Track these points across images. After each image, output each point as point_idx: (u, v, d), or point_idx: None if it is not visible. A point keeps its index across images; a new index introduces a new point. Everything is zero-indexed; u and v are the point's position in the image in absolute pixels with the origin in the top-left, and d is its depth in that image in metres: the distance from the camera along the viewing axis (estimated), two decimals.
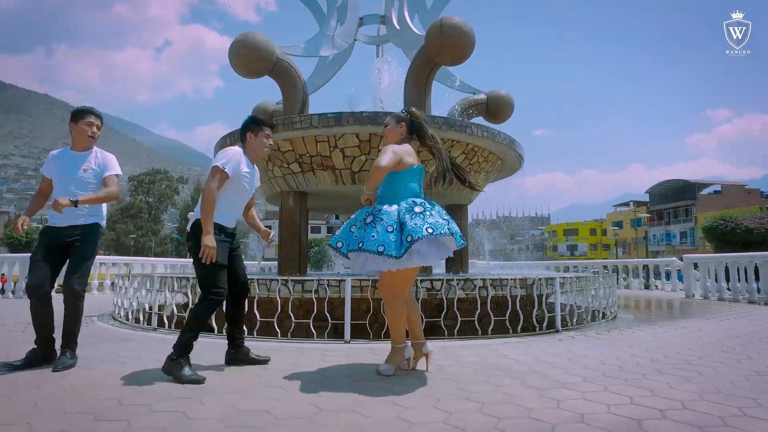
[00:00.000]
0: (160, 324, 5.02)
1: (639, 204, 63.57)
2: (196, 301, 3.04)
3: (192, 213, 3.06)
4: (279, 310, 4.44)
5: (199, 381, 2.73)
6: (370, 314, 4.42)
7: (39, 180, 3.67)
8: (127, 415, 2.12)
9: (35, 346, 3.18)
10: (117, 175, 3.48)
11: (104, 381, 2.74)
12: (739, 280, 9.20)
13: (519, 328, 4.69)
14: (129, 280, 5.80)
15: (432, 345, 3.33)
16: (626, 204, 68.42)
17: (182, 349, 2.84)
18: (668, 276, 12.73)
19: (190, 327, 2.91)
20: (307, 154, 6.48)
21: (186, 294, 5.20)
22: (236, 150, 3.09)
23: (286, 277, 4.66)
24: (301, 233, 7.17)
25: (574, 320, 5.25)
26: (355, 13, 8.64)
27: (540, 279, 5.10)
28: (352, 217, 3.05)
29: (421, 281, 4.70)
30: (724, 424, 2.07)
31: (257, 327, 4.41)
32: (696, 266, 10.20)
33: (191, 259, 3.16)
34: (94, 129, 3.45)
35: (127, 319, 5.63)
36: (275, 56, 6.91)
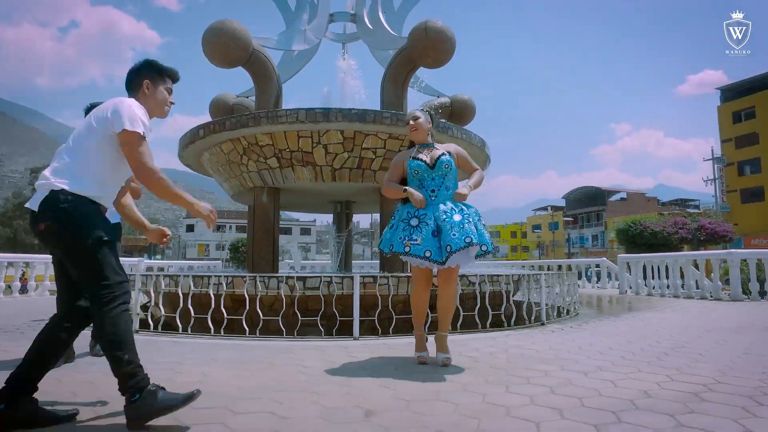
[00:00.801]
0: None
1: (556, 209, 68.35)
2: (102, 308, 1.92)
3: (43, 182, 2.01)
4: (283, 308, 4.31)
5: (194, 396, 1.95)
6: (378, 310, 4.41)
7: None
8: (215, 419, 1.99)
9: None
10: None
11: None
12: (664, 277, 10.28)
13: (513, 321, 4.93)
14: None
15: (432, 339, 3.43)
16: (545, 208, 73.18)
17: (132, 381, 1.88)
18: (598, 275, 13.87)
19: (118, 349, 1.90)
20: (288, 149, 6.32)
21: (149, 293, 4.88)
22: (139, 104, 2.16)
23: (292, 274, 4.54)
24: (275, 231, 6.97)
25: (554, 314, 5.60)
26: (326, 9, 8.54)
27: (528, 276, 5.39)
28: (431, 219, 3.00)
29: None
30: (764, 394, 2.35)
31: (260, 326, 4.26)
32: (629, 266, 11.21)
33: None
34: None
35: None
36: (252, 46, 6.66)
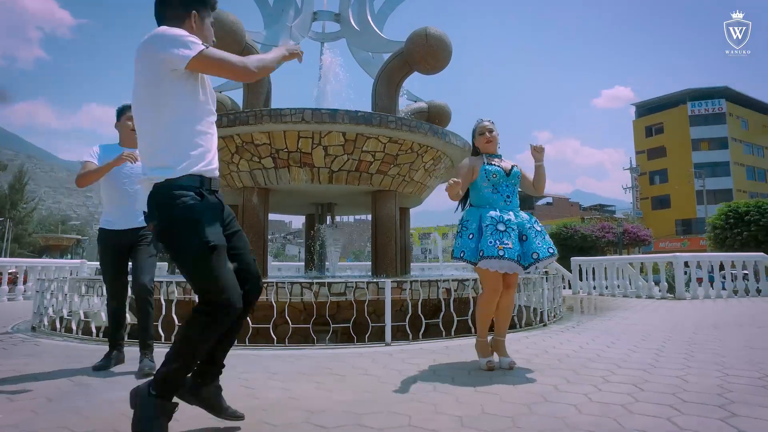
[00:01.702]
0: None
1: None
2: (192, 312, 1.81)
3: (149, 176, 1.79)
4: (315, 315, 4.20)
5: None
6: (409, 315, 4.41)
7: None
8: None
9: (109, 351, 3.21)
10: None
11: (251, 402, 2.38)
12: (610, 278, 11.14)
13: (523, 323, 5.14)
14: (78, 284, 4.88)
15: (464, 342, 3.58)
16: None
17: (163, 385, 1.73)
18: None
19: (180, 352, 1.76)
20: (285, 149, 6.14)
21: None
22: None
23: (316, 280, 4.42)
24: (266, 234, 6.73)
25: (552, 316, 5.90)
26: (310, 7, 8.37)
27: (535, 280, 5.63)
28: (513, 226, 3.10)
29: (443, 280, 4.86)
30: None
31: (289, 334, 4.11)
32: (581, 268, 12.00)
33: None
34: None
35: (62, 329, 4.71)
36: (245, 40, 6.40)
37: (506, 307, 3.29)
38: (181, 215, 1.73)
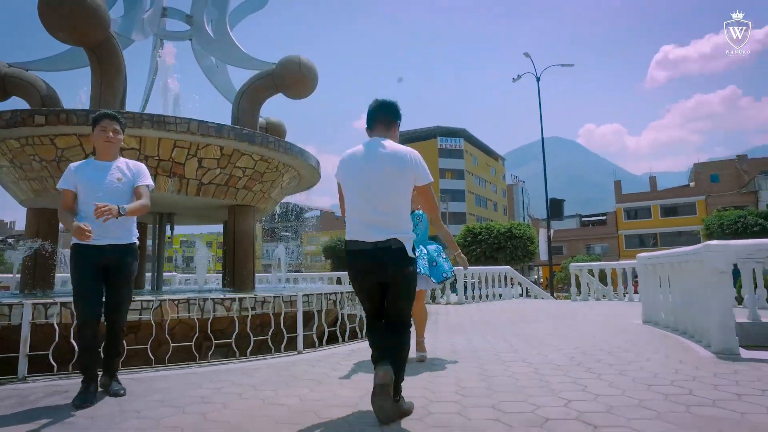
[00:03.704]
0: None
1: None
2: (398, 332, 2.51)
3: (400, 233, 2.47)
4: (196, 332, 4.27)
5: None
6: (316, 325, 4.86)
7: None
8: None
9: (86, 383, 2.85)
10: (148, 186, 3.21)
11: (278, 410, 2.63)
12: None
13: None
14: None
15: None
16: None
17: (400, 385, 2.53)
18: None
19: (403, 363, 2.52)
20: (156, 157, 5.74)
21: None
22: None
23: (241, 295, 4.48)
24: None
25: None
26: (160, 2, 7.68)
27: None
28: (431, 253, 4.13)
29: (335, 293, 5.44)
30: (624, 351, 4.35)
31: (212, 350, 4.11)
32: None
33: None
34: (110, 134, 3.11)
35: None
36: (109, 27, 5.66)
37: (419, 314, 4.22)
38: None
